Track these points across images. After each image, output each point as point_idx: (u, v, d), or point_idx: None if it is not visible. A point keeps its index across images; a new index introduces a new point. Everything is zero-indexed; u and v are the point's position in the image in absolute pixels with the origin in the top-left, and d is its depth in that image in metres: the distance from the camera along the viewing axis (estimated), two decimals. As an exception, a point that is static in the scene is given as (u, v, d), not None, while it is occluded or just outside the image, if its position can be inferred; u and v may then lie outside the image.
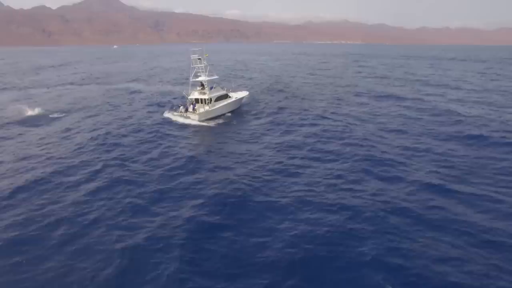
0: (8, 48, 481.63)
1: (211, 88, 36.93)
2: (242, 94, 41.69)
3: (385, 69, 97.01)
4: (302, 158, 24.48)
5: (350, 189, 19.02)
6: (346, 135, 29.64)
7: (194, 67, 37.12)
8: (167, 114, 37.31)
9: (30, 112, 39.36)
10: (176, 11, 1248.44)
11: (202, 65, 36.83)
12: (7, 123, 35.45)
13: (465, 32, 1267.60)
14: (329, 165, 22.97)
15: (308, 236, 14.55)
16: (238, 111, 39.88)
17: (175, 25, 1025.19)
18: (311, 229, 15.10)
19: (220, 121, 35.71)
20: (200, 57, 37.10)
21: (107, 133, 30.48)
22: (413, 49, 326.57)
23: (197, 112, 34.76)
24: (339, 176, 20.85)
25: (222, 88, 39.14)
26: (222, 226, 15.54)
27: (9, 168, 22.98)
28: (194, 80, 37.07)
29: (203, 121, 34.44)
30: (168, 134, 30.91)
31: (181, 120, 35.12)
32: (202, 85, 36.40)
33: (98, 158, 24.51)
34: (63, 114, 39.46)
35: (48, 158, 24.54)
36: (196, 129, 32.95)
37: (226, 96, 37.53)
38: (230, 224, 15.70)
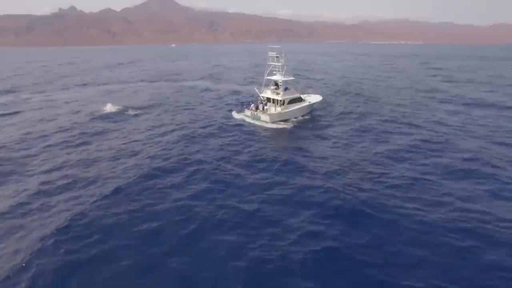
0: (79, 47, 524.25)
1: (285, 89, 35.14)
2: (316, 98, 38.95)
3: (463, 71, 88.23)
4: (410, 170, 21.76)
5: (481, 212, 15.91)
6: (454, 148, 26.14)
7: (270, 65, 35.90)
8: (237, 114, 36.31)
9: (111, 109, 40.02)
10: (230, 11, 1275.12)
11: (280, 63, 35.30)
12: (92, 119, 36.26)
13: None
14: (448, 183, 19.97)
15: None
16: (310, 114, 37.53)
17: (229, 25, 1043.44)
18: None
19: (295, 123, 33.59)
20: (278, 55, 35.56)
21: (188, 132, 30.16)
22: (486, 49, 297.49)
23: (268, 112, 33.40)
24: (467, 197, 17.76)
25: (296, 90, 37.13)
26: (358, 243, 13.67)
27: (105, 165, 22.95)
28: (268, 78, 35.72)
29: (273, 123, 32.93)
30: (248, 135, 29.89)
31: (251, 120, 33.84)
32: (276, 84, 35.11)
33: (186, 157, 23.97)
34: (141, 111, 39.86)
35: (141, 156, 24.37)
36: (274, 132, 31.37)
37: (299, 100, 35.47)
38: (369, 242, 13.69)
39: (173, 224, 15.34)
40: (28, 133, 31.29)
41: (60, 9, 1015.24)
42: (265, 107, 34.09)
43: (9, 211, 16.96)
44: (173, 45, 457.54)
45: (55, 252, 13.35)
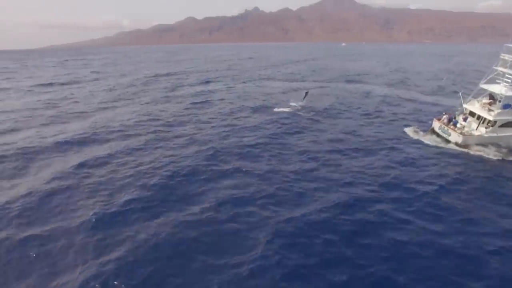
0: (257, 43, 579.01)
1: (505, 106, 24.47)
2: None
3: None
4: None
5: None
6: None
7: (495, 70, 26.22)
8: (413, 132, 28.61)
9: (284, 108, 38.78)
10: (412, 7, 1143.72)
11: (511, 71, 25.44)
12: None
13: None
14: None
15: None
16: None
17: (407, 23, 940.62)
18: None
19: (503, 154, 23.41)
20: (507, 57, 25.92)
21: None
22: None
23: (463, 131, 25.20)
24: None
25: None
26: None
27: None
28: (484, 87, 26.44)
29: (465, 147, 24.43)
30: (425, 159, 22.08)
31: (432, 138, 26.49)
32: (492, 98, 26.12)
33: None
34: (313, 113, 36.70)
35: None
36: (466, 164, 21.62)
37: None
38: None
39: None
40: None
41: (245, 10, 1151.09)
42: (462, 123, 25.96)
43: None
44: (343, 44, 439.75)
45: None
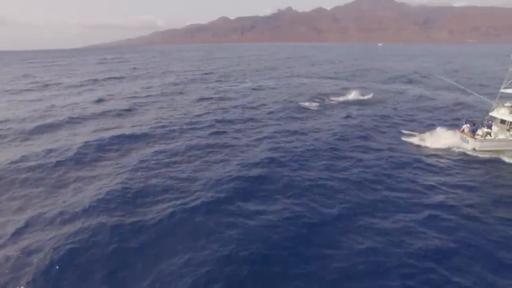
0: (289, 43, 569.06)
1: None
2: None
3: None
4: None
5: None
6: None
7: None
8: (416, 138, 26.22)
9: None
10: (456, 4, 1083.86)
11: None
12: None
13: None
14: None
15: None
16: None
17: (449, 22, 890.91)
18: None
19: None
20: None
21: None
22: None
23: (480, 137, 23.83)
24: None
25: None
26: None
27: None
28: (505, 91, 25.38)
29: (480, 151, 23.30)
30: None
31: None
32: None
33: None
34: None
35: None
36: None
37: None
38: None
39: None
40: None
41: (279, 9, 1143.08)
42: (484, 130, 24.36)
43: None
44: (379, 44, 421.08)
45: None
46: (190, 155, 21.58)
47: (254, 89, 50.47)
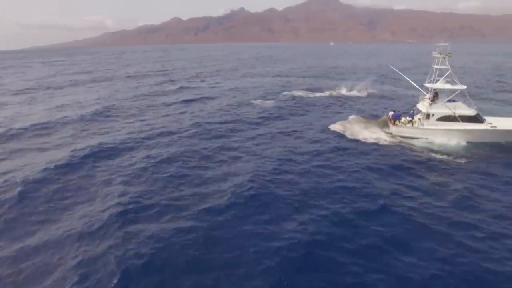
0: (244, 43, 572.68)
1: (450, 101, 25.81)
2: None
3: None
4: None
5: None
6: None
7: (435, 69, 27.20)
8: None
9: None
10: (396, 7, 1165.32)
11: (444, 67, 26.52)
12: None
13: None
14: None
15: None
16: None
17: (391, 23, 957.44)
18: None
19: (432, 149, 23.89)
20: (440, 54, 26.70)
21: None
22: None
23: (401, 124, 26.83)
24: None
25: (471, 106, 25.91)
26: None
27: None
28: (427, 85, 27.15)
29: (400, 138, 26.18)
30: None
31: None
32: (437, 94, 27.22)
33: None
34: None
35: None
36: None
37: (473, 119, 25.04)
38: None
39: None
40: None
41: (231, 10, 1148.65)
42: (407, 118, 27.27)
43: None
44: (331, 44, 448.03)
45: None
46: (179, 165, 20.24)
47: (231, 89, 50.70)
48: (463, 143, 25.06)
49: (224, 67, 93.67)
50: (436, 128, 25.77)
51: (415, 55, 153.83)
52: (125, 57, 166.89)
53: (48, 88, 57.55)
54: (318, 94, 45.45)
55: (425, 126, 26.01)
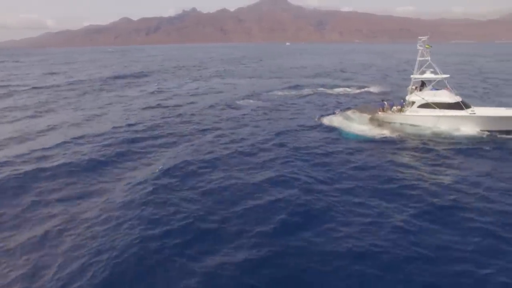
0: (198, 44, 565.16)
1: (434, 90, 28.40)
2: (507, 112, 25.37)
3: None
4: None
5: None
6: None
7: (420, 61, 29.85)
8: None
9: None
10: (343, 9, 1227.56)
11: (424, 58, 29.21)
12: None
13: None
14: None
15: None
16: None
17: (338, 24, 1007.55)
18: None
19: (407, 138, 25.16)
20: (422, 46, 29.39)
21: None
22: None
23: (390, 112, 29.42)
24: None
25: (456, 95, 27.40)
26: None
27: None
28: (415, 77, 29.90)
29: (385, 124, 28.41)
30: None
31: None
32: (423, 84, 29.84)
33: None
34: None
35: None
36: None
37: (453, 106, 26.44)
38: None
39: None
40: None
41: (183, 10, 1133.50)
42: (398, 107, 29.52)
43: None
44: (287, 43, 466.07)
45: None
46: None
47: (201, 91, 49.76)
48: (443, 129, 26.16)
49: (210, 68, 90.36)
50: (416, 114, 27.37)
51: (379, 54, 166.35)
52: (81, 58, 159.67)
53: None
54: (305, 91, 46.38)
55: (407, 113, 27.96)
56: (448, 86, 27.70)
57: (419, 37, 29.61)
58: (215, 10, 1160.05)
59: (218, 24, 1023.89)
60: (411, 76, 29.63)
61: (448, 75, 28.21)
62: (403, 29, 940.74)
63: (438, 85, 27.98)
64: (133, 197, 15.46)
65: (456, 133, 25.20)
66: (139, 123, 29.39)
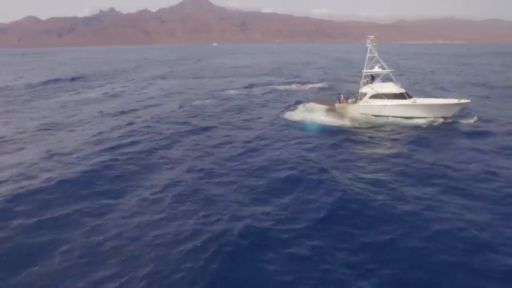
0: (119, 46, 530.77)
1: (382, 82, 31.21)
2: (445, 101, 28.55)
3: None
4: None
5: None
6: None
7: (367, 57, 31.83)
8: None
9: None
10: (264, 11, 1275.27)
11: (375, 55, 31.31)
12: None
13: None
14: None
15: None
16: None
17: (261, 25, 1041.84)
18: None
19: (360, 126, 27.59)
20: (370, 44, 31.44)
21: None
22: None
23: (346, 103, 31.59)
24: None
25: (401, 86, 30.19)
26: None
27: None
28: (365, 71, 31.94)
29: (343, 114, 30.57)
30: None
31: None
32: (373, 78, 31.87)
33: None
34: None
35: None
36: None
37: (398, 96, 29.18)
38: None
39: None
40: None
41: (100, 10, 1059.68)
42: (352, 99, 31.99)
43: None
44: (214, 44, 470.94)
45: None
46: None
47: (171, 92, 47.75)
48: (391, 116, 29.22)
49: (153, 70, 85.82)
50: (368, 104, 30.06)
51: (308, 53, 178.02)
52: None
53: None
54: (257, 90, 47.25)
55: (360, 103, 30.54)
56: (394, 79, 30.38)
57: (368, 36, 31.94)
58: (135, 10, 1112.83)
59: (140, 25, 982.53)
60: (363, 70, 32.04)
61: (393, 69, 31.02)
62: (319, 30, 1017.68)
63: (385, 78, 30.79)
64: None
65: (401, 119, 28.49)
66: (108, 132, 26.11)
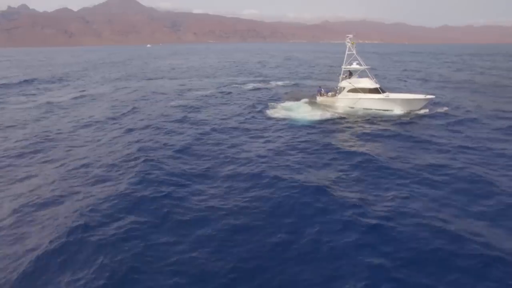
0: (34, 48, 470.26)
1: (359, 78, 33.96)
2: (414, 96, 31.10)
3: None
4: None
5: None
6: None
7: (347, 54, 33.74)
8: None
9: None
10: (195, 11, 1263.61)
11: (351, 52, 33.39)
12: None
13: (491, 30, 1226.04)
14: None
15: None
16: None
17: (192, 25, 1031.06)
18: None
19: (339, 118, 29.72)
20: (349, 42, 33.55)
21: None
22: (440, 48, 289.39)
23: (326, 96, 34.68)
24: None
25: (376, 82, 32.28)
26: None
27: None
28: (344, 68, 33.89)
29: (324, 106, 33.24)
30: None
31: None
32: (350, 73, 34.22)
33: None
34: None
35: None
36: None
37: (373, 91, 31.41)
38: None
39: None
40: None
41: (8, 7, 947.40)
42: (332, 93, 34.70)
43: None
44: (148, 45, 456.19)
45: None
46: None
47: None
48: (366, 108, 31.31)
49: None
50: (346, 97, 32.09)
51: (255, 52, 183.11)
52: None
53: None
54: (228, 89, 47.35)
55: (339, 97, 32.72)
56: (370, 75, 32.00)
57: (347, 35, 33.87)
58: (53, 9, 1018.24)
59: (60, 26, 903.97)
60: (342, 66, 33.92)
61: (369, 66, 33.19)
62: (251, 30, 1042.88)
63: (362, 74, 33.52)
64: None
65: (375, 111, 30.58)
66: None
